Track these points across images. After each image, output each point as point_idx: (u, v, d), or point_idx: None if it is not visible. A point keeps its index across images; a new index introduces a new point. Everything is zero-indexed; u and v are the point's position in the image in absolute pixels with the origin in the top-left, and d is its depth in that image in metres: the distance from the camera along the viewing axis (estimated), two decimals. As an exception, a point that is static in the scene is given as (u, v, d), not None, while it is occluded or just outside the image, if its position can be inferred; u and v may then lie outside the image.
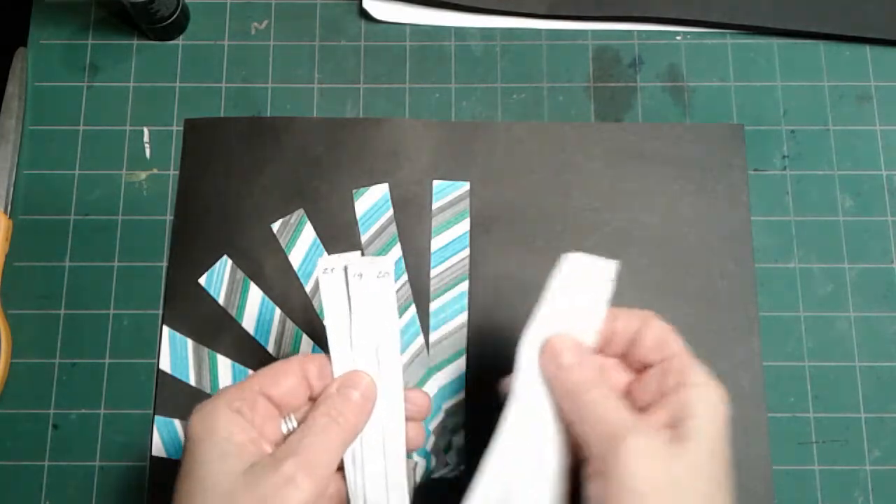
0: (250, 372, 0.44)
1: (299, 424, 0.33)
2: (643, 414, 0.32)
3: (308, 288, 0.45)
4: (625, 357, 0.35)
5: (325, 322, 0.34)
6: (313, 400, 0.34)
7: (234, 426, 0.31)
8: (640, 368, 0.34)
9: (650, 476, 0.29)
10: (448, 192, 0.46)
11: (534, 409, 0.33)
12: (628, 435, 0.30)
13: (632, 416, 0.31)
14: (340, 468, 0.34)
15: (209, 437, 0.31)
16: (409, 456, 0.41)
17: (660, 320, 0.34)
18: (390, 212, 0.46)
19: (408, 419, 0.35)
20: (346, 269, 0.35)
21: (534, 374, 0.33)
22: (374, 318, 0.34)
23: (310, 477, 0.30)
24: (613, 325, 0.34)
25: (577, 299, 0.34)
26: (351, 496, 0.34)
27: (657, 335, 0.34)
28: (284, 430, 0.33)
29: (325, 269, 0.35)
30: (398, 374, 0.34)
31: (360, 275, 0.34)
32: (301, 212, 0.46)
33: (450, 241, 0.45)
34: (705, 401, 0.31)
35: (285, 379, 0.33)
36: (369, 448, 0.34)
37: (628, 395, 0.34)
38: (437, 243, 0.45)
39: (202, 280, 0.45)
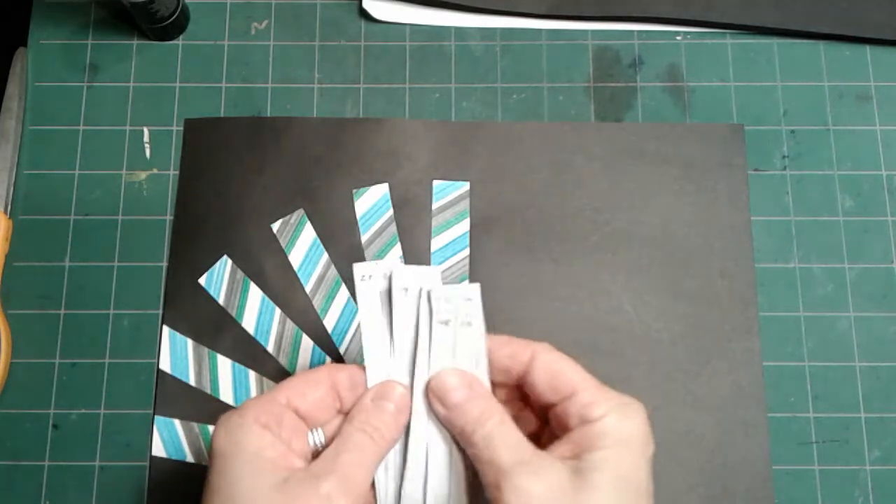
0: (250, 372, 0.44)
1: (327, 438, 0.32)
2: (545, 449, 0.30)
3: (308, 288, 0.45)
4: (520, 391, 0.33)
5: (363, 331, 0.33)
6: (342, 412, 0.33)
7: (264, 441, 0.30)
8: (543, 408, 0.33)
9: None
10: (448, 192, 0.46)
11: (435, 450, 0.32)
12: (515, 475, 0.28)
13: (527, 451, 0.29)
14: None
15: (238, 453, 0.30)
16: None
17: (551, 353, 0.32)
18: (390, 212, 0.46)
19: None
20: (390, 278, 0.33)
21: (426, 416, 0.32)
22: (414, 332, 0.33)
23: (346, 494, 0.29)
24: (502, 353, 0.32)
25: (455, 329, 0.33)
26: None
27: (548, 373, 0.31)
28: (311, 444, 0.32)
29: (363, 276, 0.33)
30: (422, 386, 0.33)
31: (406, 289, 0.33)
32: (301, 212, 0.46)
33: (450, 241, 0.45)
34: (614, 429, 0.30)
35: (314, 391, 0.32)
36: (434, 470, 0.32)
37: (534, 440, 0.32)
38: (437, 243, 0.45)
39: (202, 280, 0.45)
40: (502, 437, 0.30)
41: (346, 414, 0.33)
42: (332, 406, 0.33)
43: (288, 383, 0.32)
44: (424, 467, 0.32)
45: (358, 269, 0.33)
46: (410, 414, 0.32)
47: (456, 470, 0.32)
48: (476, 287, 0.33)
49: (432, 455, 0.32)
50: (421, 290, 0.33)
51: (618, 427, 0.30)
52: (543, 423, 0.33)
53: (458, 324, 0.33)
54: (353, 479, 0.30)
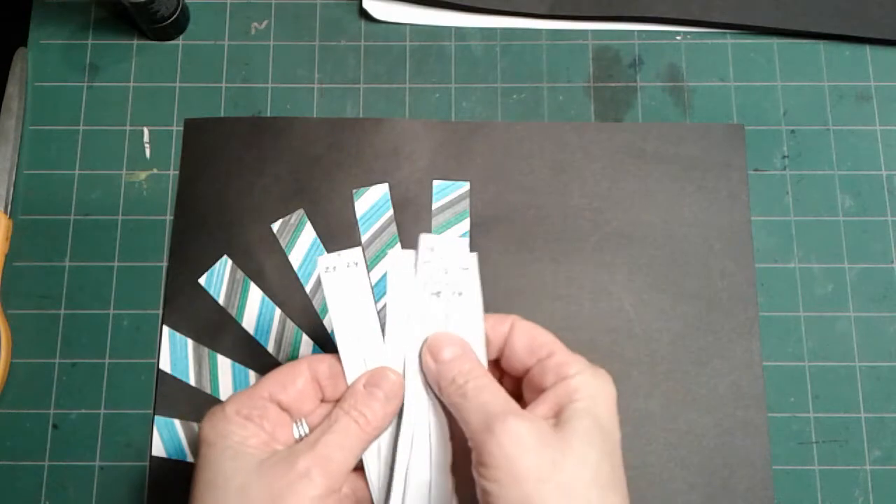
0: (250, 372, 0.44)
1: (311, 428, 0.33)
2: (526, 408, 0.31)
3: (308, 288, 0.45)
4: (499, 364, 0.34)
5: (333, 322, 0.34)
6: (325, 402, 0.34)
7: (246, 431, 0.31)
8: (519, 375, 0.34)
9: (526, 458, 0.28)
10: (448, 192, 0.46)
11: (420, 407, 0.33)
12: (503, 419, 0.29)
13: (513, 403, 0.31)
14: (356, 469, 0.33)
15: (221, 442, 0.31)
16: None
17: (526, 322, 0.34)
18: (390, 212, 0.46)
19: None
20: (418, 257, 0.34)
21: (415, 371, 0.33)
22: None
23: (324, 473, 0.30)
24: (486, 325, 0.34)
25: (447, 300, 0.34)
26: (376, 500, 0.33)
27: (527, 337, 0.33)
28: (297, 436, 0.33)
29: (327, 267, 0.34)
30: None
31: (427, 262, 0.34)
32: (301, 212, 0.46)
33: (450, 241, 0.45)
34: (585, 386, 0.31)
35: (294, 383, 0.33)
36: (416, 456, 0.33)
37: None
38: (437, 243, 0.45)
39: (202, 280, 0.45)
40: (493, 388, 0.31)
41: (329, 403, 0.34)
42: (314, 396, 0.33)
43: (269, 377, 0.33)
44: (409, 452, 0.33)
45: (322, 261, 0.34)
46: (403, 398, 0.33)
47: (438, 453, 0.33)
48: (473, 256, 0.34)
49: (417, 438, 0.33)
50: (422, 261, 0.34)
51: (591, 383, 0.31)
52: (518, 398, 0.34)
53: (450, 293, 0.34)
54: (333, 458, 0.30)
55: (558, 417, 0.30)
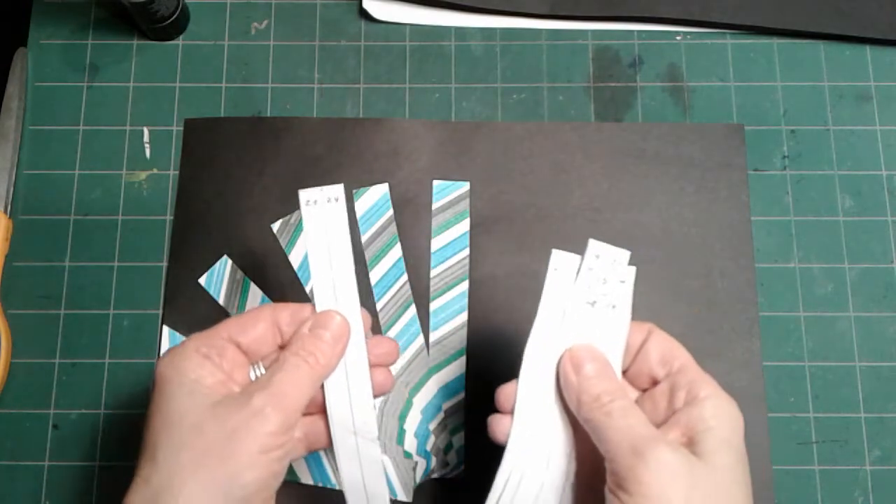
0: (250, 372, 0.44)
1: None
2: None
3: (308, 288, 0.45)
4: (628, 373, 0.34)
5: (309, 255, 0.34)
6: (282, 348, 0.34)
7: (203, 370, 0.31)
8: (647, 385, 0.33)
9: (676, 492, 0.28)
10: (448, 192, 0.46)
11: (543, 414, 0.32)
12: (654, 447, 0.28)
13: (655, 429, 0.30)
14: (308, 414, 0.33)
15: (177, 378, 0.31)
16: (399, 441, 0.42)
17: (662, 332, 0.33)
18: (390, 212, 0.46)
19: (374, 365, 0.34)
20: (583, 262, 0.33)
21: (546, 377, 0.33)
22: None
23: (278, 410, 0.30)
24: None
25: (600, 311, 0.33)
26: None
27: (662, 348, 0.33)
28: (253, 377, 0.33)
29: (308, 201, 0.34)
30: (357, 317, 0.34)
31: (556, 269, 0.34)
32: (301, 212, 0.46)
33: (450, 241, 0.45)
34: (721, 413, 0.30)
35: (255, 326, 0.33)
36: (334, 392, 0.33)
37: None
38: (437, 243, 0.45)
39: (202, 280, 0.45)
40: (637, 412, 0.31)
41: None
42: (273, 342, 0.34)
43: (231, 320, 0.33)
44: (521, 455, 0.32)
45: (303, 194, 0.34)
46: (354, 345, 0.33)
47: (555, 462, 0.32)
48: (632, 270, 0.33)
49: (537, 443, 0.32)
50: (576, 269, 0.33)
51: (725, 409, 0.31)
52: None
53: (605, 305, 0.33)
54: (286, 395, 0.31)
55: (695, 445, 0.30)
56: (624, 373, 0.34)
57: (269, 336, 0.33)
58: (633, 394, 0.34)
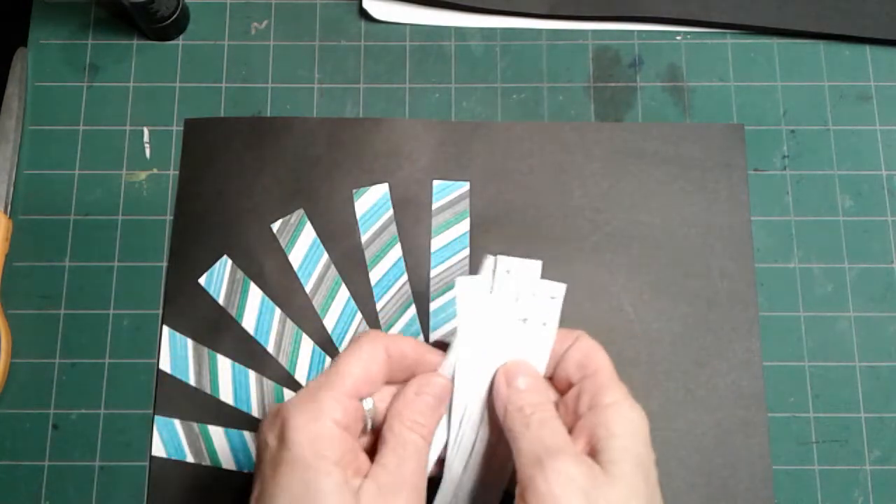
0: (251, 372, 0.44)
1: (375, 409, 0.33)
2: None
3: (308, 288, 0.45)
4: (553, 379, 0.34)
5: (459, 335, 0.34)
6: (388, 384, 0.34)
7: (345, 445, 0.30)
8: (563, 391, 0.34)
9: (571, 503, 0.28)
10: (448, 192, 0.46)
11: (470, 427, 0.33)
12: (555, 458, 0.29)
13: (570, 443, 0.30)
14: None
15: (321, 463, 0.29)
16: None
17: (589, 339, 0.33)
18: (390, 212, 0.46)
19: None
20: (494, 280, 0.34)
21: (477, 393, 0.33)
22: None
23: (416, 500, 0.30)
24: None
25: (531, 328, 0.34)
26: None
27: (582, 353, 0.33)
28: (367, 426, 0.33)
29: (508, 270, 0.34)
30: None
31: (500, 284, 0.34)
32: (301, 212, 0.46)
33: (450, 241, 0.45)
34: (623, 420, 0.30)
35: (378, 376, 0.32)
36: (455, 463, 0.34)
37: None
38: (437, 243, 0.45)
39: (202, 280, 0.45)
40: (555, 426, 0.31)
41: (393, 385, 0.34)
42: (384, 380, 0.33)
43: (350, 371, 0.31)
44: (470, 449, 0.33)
45: (495, 262, 0.35)
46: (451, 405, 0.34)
47: (473, 468, 0.33)
48: (562, 287, 0.34)
49: (461, 447, 0.34)
50: (512, 283, 0.34)
51: (628, 416, 0.31)
52: None
53: (537, 322, 0.34)
54: (420, 487, 0.31)
55: (598, 454, 0.30)
56: (550, 380, 0.34)
57: (382, 375, 0.33)
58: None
